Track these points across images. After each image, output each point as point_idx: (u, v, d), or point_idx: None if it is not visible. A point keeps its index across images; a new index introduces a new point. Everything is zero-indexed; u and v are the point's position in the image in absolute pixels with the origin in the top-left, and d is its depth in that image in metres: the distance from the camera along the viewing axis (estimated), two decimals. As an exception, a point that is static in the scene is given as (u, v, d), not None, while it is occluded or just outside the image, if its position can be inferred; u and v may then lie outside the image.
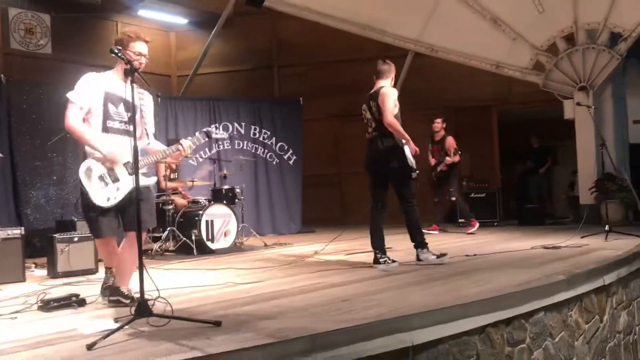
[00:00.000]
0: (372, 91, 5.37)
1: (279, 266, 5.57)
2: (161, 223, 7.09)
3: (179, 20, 12.25)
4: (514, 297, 3.65)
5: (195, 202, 7.46)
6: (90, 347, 2.60)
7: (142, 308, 2.98)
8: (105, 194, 3.66)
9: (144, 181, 3.76)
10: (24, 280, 5.01)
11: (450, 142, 8.68)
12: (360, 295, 3.74)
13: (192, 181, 7.60)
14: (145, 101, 3.92)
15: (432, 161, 8.76)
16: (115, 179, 3.70)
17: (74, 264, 5.31)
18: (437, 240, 7.54)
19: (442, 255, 5.32)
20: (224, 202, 7.37)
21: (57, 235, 5.40)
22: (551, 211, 10.95)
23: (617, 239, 6.45)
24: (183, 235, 6.98)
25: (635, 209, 8.33)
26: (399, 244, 6.65)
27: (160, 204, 7.16)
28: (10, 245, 5.04)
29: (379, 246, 5.30)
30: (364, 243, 7.33)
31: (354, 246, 7.15)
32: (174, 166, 8.02)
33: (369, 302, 3.49)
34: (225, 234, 7.15)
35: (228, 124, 9.71)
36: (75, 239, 5.39)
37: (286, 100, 10.89)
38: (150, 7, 11.49)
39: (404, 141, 5.21)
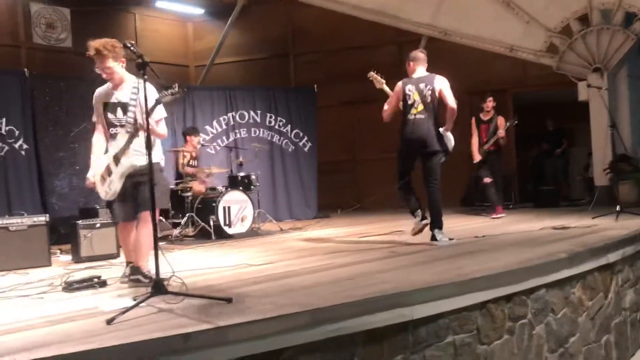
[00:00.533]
0: (419, 75, 5.68)
1: (292, 249, 5.76)
2: (180, 209, 7.34)
3: (196, 10, 12.41)
4: (514, 274, 3.78)
5: (212, 188, 7.68)
6: (109, 322, 2.81)
7: (158, 286, 3.19)
8: (103, 190, 4.17)
9: (122, 167, 4.08)
10: (49, 264, 5.28)
11: (502, 121, 8.46)
12: (366, 275, 3.90)
13: (209, 169, 7.80)
14: (140, 93, 3.92)
15: (475, 143, 8.44)
16: (110, 173, 4.13)
17: (97, 249, 5.57)
18: (453, 223, 7.64)
19: (451, 239, 5.55)
20: (240, 188, 7.58)
21: (80, 222, 5.67)
22: (567, 193, 10.96)
23: (628, 219, 6.49)
24: (201, 221, 7.21)
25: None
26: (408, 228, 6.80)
27: (179, 191, 7.40)
28: (36, 231, 5.32)
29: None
30: (377, 226, 7.53)
31: (368, 229, 7.30)
32: (194, 154, 8.23)
33: (374, 280, 3.65)
34: (242, 220, 7.37)
35: (244, 112, 9.90)
36: (98, 226, 5.64)
37: (301, 88, 11.04)
38: (167, -2, 11.70)
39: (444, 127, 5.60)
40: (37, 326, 2.89)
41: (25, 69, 8.10)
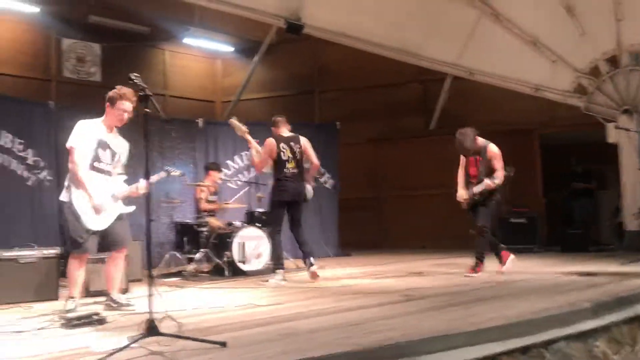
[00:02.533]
0: (287, 135, 6.48)
1: (303, 289, 5.60)
2: (195, 244, 7.26)
3: (225, 47, 12.57)
4: (531, 324, 3.55)
5: (230, 224, 7.60)
6: (94, 364, 2.70)
7: (151, 327, 3.06)
8: (95, 220, 4.43)
9: (125, 209, 4.66)
10: (57, 298, 5.19)
11: (494, 153, 6.26)
12: (374, 320, 3.72)
13: (227, 204, 7.74)
14: (123, 146, 4.70)
15: (461, 176, 6.50)
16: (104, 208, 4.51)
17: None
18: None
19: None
20: (257, 224, 7.47)
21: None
22: (596, 237, 10.56)
23: (660, 267, 6.18)
24: (216, 257, 7.11)
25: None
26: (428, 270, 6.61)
27: (195, 226, 7.33)
28: (46, 264, 5.27)
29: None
30: (396, 267, 7.33)
31: (385, 270, 7.11)
32: (213, 189, 8.20)
33: (381, 327, 3.46)
34: (257, 256, 7.23)
35: (266, 147, 9.85)
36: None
37: (323, 125, 11.00)
38: (197, 35, 11.83)
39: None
40: (21, 366, 2.80)
41: (51, 102, 8.22)
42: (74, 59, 10.31)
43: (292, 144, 6.40)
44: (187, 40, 11.95)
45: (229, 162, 9.62)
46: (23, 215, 7.70)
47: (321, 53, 12.31)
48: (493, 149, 6.29)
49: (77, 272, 4.49)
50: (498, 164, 6.21)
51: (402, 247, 10.81)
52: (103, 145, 4.49)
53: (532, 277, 5.76)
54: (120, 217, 4.61)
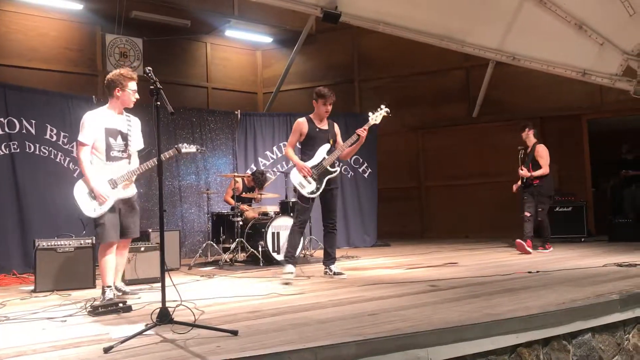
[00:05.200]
0: None
1: (330, 279, 5.60)
2: (230, 234, 7.37)
3: (264, 39, 12.63)
4: (551, 316, 3.45)
5: (264, 214, 7.68)
6: (106, 350, 2.78)
7: (164, 315, 3.14)
8: (92, 206, 4.43)
9: (129, 193, 4.59)
10: (93, 286, 5.39)
11: (540, 151, 8.02)
12: (391, 310, 3.69)
13: (260, 194, 7.82)
14: (133, 126, 4.67)
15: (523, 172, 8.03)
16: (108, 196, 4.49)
17: (140, 273, 5.65)
18: (512, 256, 7.27)
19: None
20: (291, 214, 7.52)
21: (125, 245, 5.75)
22: (648, 226, 10.13)
23: None
24: (251, 247, 7.20)
25: None
26: (465, 260, 6.51)
27: (230, 216, 7.44)
28: (82, 253, 5.47)
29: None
30: (433, 257, 7.25)
31: (421, 260, 7.05)
32: (248, 184, 8.26)
33: (395, 317, 3.44)
34: (291, 246, 7.27)
35: (304, 138, 9.87)
36: (142, 249, 5.73)
37: (361, 114, 10.92)
38: (237, 27, 11.91)
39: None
40: (39, 351, 2.91)
41: (93, 96, 8.49)
42: (117, 53, 10.58)
43: None
44: (227, 33, 12.05)
45: (267, 152, 9.70)
46: (71, 206, 7.97)
47: (361, 42, 12.23)
48: (540, 150, 8.02)
49: (106, 260, 4.48)
50: (542, 161, 7.94)
51: (445, 238, 10.70)
52: (112, 132, 4.49)
53: (570, 268, 5.59)
54: (131, 206, 4.61)
